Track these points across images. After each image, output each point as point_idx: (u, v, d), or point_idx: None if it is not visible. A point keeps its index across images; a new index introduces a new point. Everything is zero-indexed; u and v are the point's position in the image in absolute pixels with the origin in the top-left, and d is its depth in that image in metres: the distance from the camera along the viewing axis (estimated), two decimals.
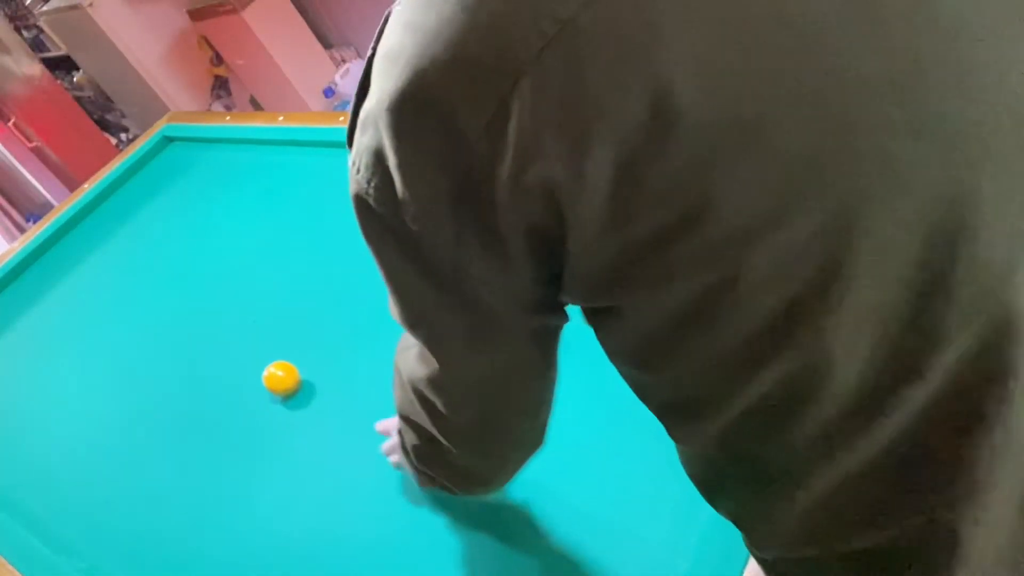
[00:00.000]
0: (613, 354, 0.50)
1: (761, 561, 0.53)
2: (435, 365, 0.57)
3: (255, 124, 1.89)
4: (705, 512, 0.58)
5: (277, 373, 1.17)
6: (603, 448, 0.92)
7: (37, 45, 3.87)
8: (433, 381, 0.59)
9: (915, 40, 0.35)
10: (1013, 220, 0.37)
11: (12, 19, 3.82)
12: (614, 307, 0.44)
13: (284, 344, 1.30)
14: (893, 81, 0.35)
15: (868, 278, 0.37)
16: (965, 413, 0.38)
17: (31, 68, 3.60)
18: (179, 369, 1.36)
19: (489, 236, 0.41)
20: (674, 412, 0.50)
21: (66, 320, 1.65)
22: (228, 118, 2.01)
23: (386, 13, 0.43)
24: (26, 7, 3.74)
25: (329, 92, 3.26)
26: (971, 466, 0.39)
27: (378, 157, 0.42)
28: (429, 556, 0.90)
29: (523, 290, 0.46)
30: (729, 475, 0.51)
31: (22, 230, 3.30)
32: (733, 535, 0.56)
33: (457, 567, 0.88)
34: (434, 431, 0.65)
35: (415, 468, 0.79)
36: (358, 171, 0.44)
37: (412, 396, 0.64)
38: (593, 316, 0.48)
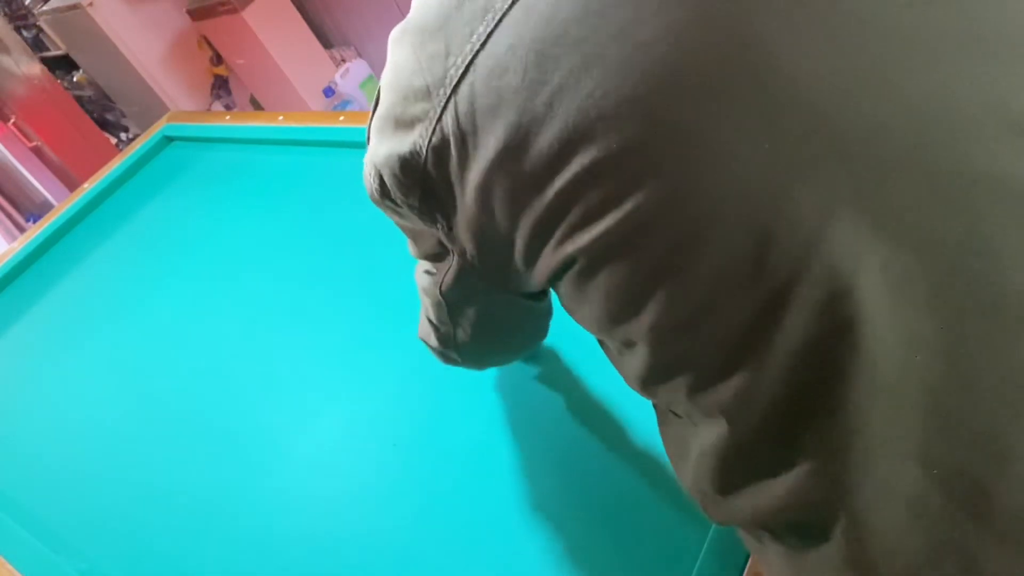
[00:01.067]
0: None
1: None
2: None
3: (255, 124, 1.88)
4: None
5: None
6: (603, 448, 0.92)
7: (37, 45, 3.87)
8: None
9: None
10: (829, 174, 0.39)
11: (12, 19, 3.82)
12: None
13: (284, 343, 1.30)
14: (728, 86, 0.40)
15: (713, 246, 0.41)
16: (825, 364, 0.40)
17: (31, 68, 3.60)
18: (179, 369, 1.36)
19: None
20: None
21: (66, 320, 1.65)
22: (228, 118, 2.01)
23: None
24: (26, 7, 3.74)
25: (329, 92, 3.26)
26: (842, 415, 0.40)
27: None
28: (430, 556, 0.90)
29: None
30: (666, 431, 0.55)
31: (22, 230, 3.31)
32: (734, 535, 0.56)
33: (458, 567, 0.88)
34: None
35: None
36: (367, 166, 0.55)
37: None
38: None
